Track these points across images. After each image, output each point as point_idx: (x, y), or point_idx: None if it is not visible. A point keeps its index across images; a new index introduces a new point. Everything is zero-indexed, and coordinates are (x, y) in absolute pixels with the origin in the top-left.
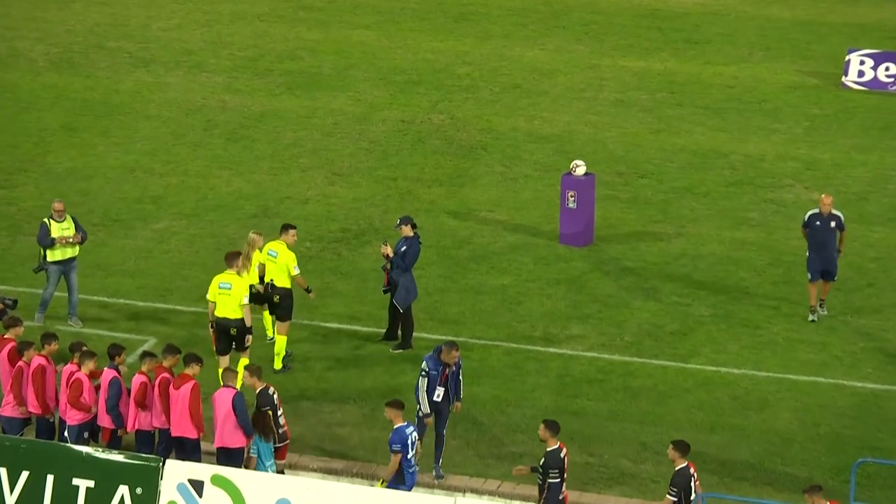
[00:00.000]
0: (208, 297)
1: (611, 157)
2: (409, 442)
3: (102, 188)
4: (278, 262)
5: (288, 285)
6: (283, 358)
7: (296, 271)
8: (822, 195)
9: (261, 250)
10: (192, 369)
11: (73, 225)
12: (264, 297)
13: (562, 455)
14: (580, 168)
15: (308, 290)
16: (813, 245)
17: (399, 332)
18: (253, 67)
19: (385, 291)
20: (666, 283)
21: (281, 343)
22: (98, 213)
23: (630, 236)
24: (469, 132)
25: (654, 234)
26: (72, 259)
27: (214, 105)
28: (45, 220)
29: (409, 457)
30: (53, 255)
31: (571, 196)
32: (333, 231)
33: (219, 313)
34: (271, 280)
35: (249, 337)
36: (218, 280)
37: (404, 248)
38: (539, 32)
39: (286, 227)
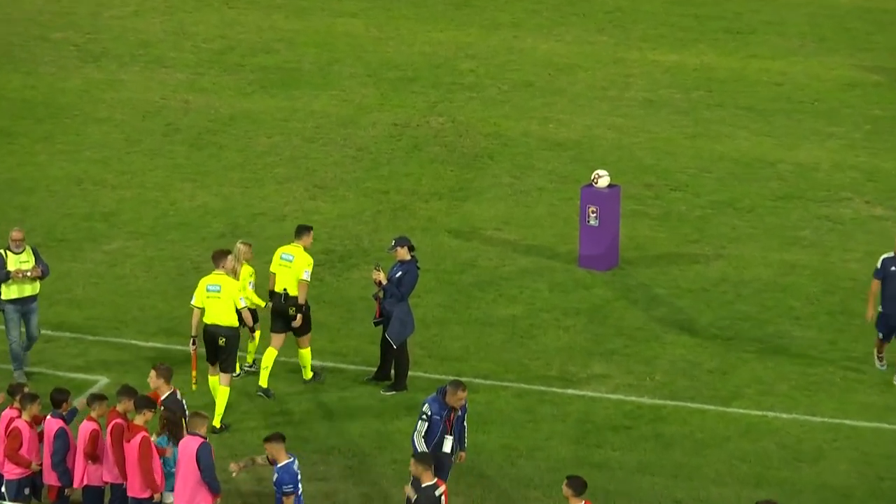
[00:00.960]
0: (194, 303)
1: (639, 167)
2: (298, 479)
3: (45, 203)
4: (294, 268)
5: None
6: (315, 373)
7: (305, 276)
8: None
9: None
10: (144, 416)
11: (33, 257)
12: (280, 311)
13: None
14: (603, 179)
15: (298, 310)
16: (888, 298)
17: (392, 371)
18: (221, 62)
19: (376, 324)
20: (703, 314)
21: (306, 356)
22: (40, 232)
23: (661, 259)
24: (473, 137)
25: (689, 256)
26: (31, 298)
27: (176, 106)
28: (1, 250)
29: (300, 494)
30: (9, 293)
31: (593, 212)
32: (315, 253)
33: (207, 320)
34: (285, 290)
35: (254, 336)
36: (205, 282)
37: (400, 273)
38: (555, 21)
39: (304, 229)
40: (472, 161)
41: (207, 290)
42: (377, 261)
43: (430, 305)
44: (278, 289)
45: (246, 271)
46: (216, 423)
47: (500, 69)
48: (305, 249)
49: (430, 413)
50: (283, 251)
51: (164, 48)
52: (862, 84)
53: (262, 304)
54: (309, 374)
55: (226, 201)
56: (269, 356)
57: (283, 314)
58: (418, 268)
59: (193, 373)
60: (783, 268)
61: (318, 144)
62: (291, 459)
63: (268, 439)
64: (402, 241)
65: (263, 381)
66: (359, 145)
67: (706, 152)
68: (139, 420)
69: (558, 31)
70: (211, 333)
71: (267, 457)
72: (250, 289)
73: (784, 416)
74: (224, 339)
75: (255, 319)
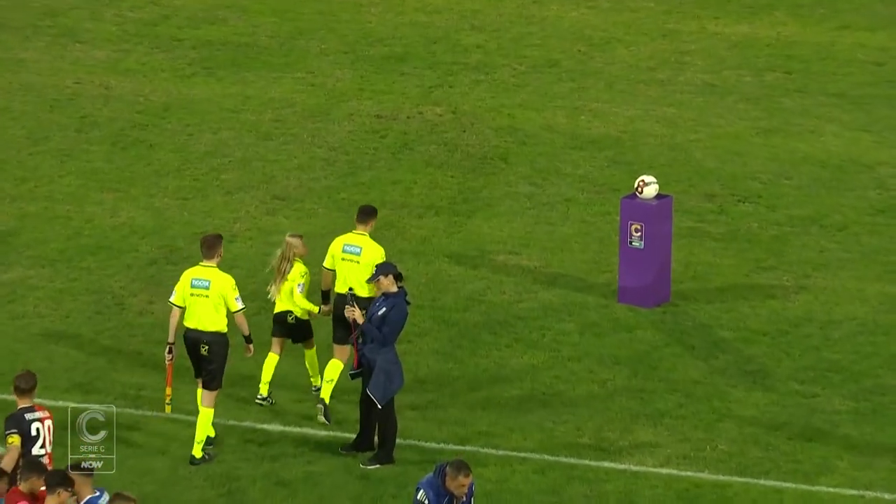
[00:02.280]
0: (173, 300)
1: (696, 171)
2: None
3: None
4: (363, 262)
5: (372, 294)
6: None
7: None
8: None
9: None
10: (58, 498)
11: None
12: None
13: None
14: (650, 188)
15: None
16: None
17: (376, 437)
18: (152, 35)
19: (353, 376)
20: (781, 363)
21: (335, 368)
22: None
23: (726, 291)
24: (481, 133)
25: (762, 289)
26: None
27: (93, 93)
28: None
29: None
30: None
31: (636, 230)
32: None
33: (189, 323)
34: (351, 290)
35: (250, 347)
36: (190, 275)
37: (383, 310)
38: None
39: (369, 212)
40: (480, 164)
41: (192, 286)
42: (351, 294)
43: (424, 352)
44: (341, 288)
45: (297, 271)
46: (195, 452)
47: (515, 44)
48: (372, 237)
49: (425, 502)
50: (344, 241)
51: (77, 18)
52: None
53: (316, 309)
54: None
55: (158, 217)
56: (334, 368)
57: (347, 321)
58: (408, 303)
59: (168, 390)
60: (885, 303)
61: (277, 142)
62: (97, 494)
63: (75, 467)
64: (385, 269)
65: (326, 395)
66: (331, 144)
67: (784, 153)
68: (52, 501)
69: None
70: (192, 340)
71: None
72: (299, 292)
73: (887, 496)
74: (207, 347)
75: (310, 333)
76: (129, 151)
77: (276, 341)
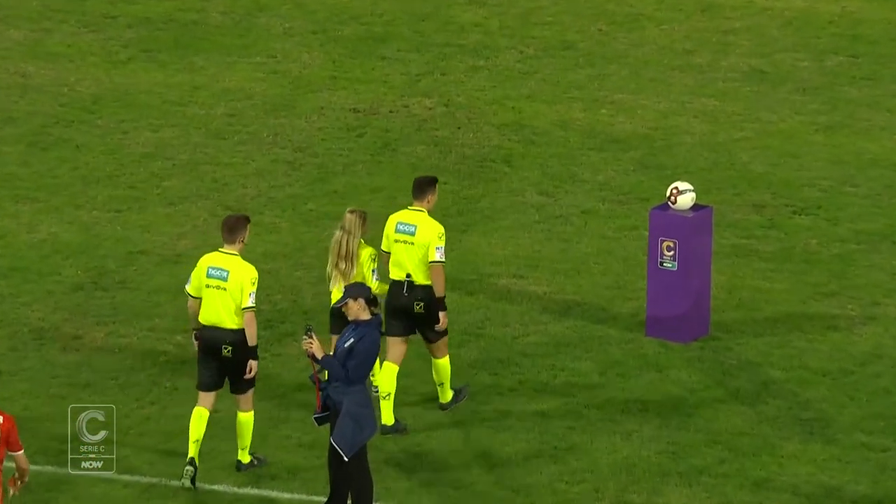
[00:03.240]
0: (188, 289)
1: (743, 177)
2: None
3: None
4: (418, 243)
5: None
6: (456, 392)
7: (439, 255)
8: None
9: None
10: None
11: None
12: (403, 307)
13: None
14: (685, 196)
15: (434, 306)
16: None
17: (350, 497)
18: (79, 12)
19: (319, 421)
20: (844, 409)
21: (444, 369)
22: None
23: (778, 322)
24: (480, 131)
25: (822, 319)
26: None
27: (7, 82)
28: None
29: None
30: None
31: (669, 248)
32: None
33: (204, 319)
34: (409, 276)
35: (254, 365)
36: (207, 263)
37: (351, 341)
38: None
39: (427, 184)
40: (479, 168)
41: (208, 276)
42: (309, 322)
43: (410, 395)
44: (396, 274)
45: (366, 254)
46: (243, 457)
47: (522, 22)
48: (430, 214)
49: None
50: (398, 219)
51: None
52: None
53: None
54: (448, 395)
55: (85, 233)
56: (388, 377)
57: (406, 311)
58: (382, 333)
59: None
60: None
61: (232, 142)
62: None
63: None
64: (356, 291)
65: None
66: (297, 143)
67: (849, 154)
68: None
69: None
70: (210, 340)
71: None
72: (375, 279)
73: None
74: (230, 349)
75: None
76: (50, 153)
77: (333, 339)
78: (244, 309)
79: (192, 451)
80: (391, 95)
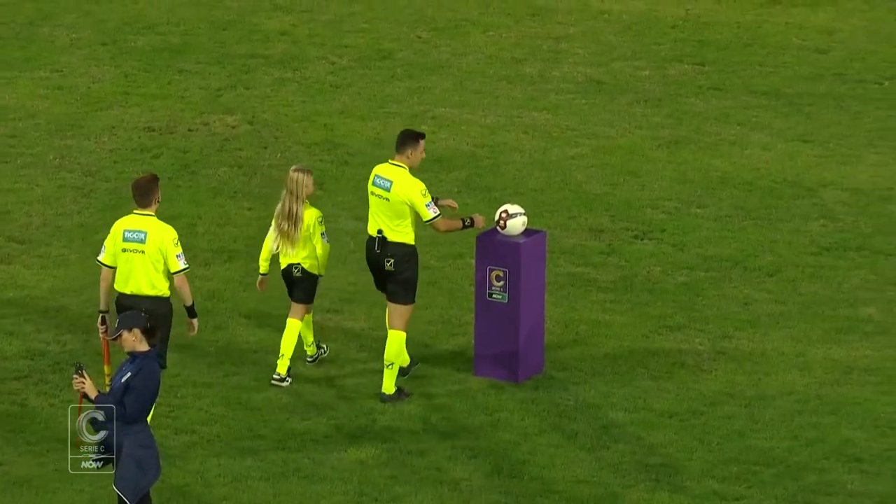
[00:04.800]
0: (101, 258)
1: (578, 198)
2: None
3: None
4: (394, 198)
5: (410, 240)
6: (398, 390)
7: (431, 212)
8: None
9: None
10: None
11: None
12: (375, 264)
13: None
14: (515, 221)
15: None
16: None
17: None
18: None
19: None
20: (694, 454)
21: (396, 344)
22: None
23: (619, 359)
24: (288, 150)
25: (667, 355)
26: None
27: None
28: None
29: None
30: None
31: (498, 279)
32: None
33: (121, 287)
34: (380, 232)
35: (195, 322)
36: (122, 227)
37: (128, 375)
38: None
39: (410, 138)
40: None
41: (124, 239)
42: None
43: (203, 444)
44: (371, 230)
45: (312, 216)
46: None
47: (333, 30)
48: (412, 171)
49: None
50: (377, 172)
51: None
52: None
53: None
54: (392, 384)
55: None
56: (395, 342)
57: (378, 268)
58: (163, 366)
59: (106, 368)
60: (831, 371)
61: (13, 166)
62: None
63: None
64: (130, 321)
65: (386, 386)
66: (87, 167)
67: (696, 172)
68: None
69: None
70: (125, 309)
71: None
72: (326, 242)
73: None
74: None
75: (313, 293)
76: None
77: (293, 305)
78: (175, 273)
79: None
80: (190, 112)
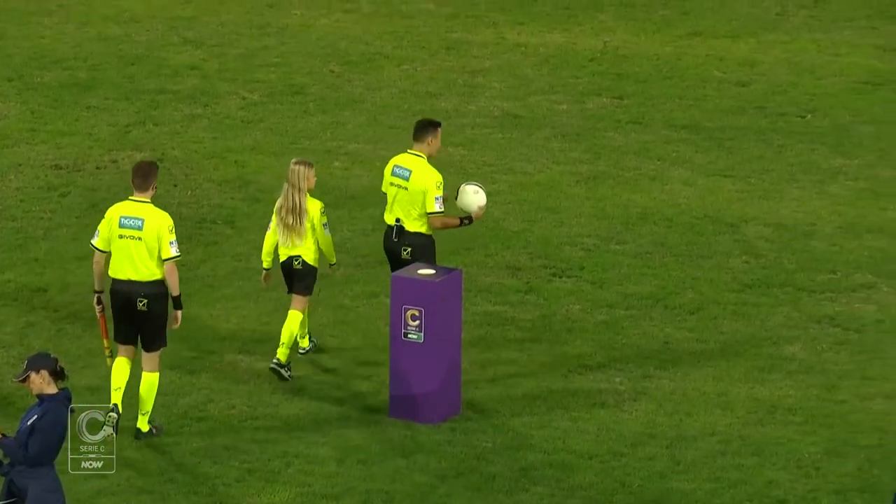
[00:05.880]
0: (95, 242)
1: (496, 235)
2: None
3: None
4: (413, 187)
5: (425, 230)
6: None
7: (437, 204)
8: None
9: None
10: None
11: None
12: (392, 252)
13: None
14: (470, 189)
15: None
16: None
17: None
18: None
19: None
20: (615, 496)
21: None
22: None
23: (537, 399)
24: (199, 188)
25: (587, 395)
26: None
27: None
28: None
29: None
30: None
31: (413, 318)
32: None
33: (116, 273)
34: (398, 221)
35: (178, 314)
36: (118, 213)
37: (34, 418)
38: None
39: (423, 127)
40: (197, 230)
41: (121, 225)
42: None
43: (121, 495)
44: (389, 219)
45: (315, 207)
46: (142, 425)
47: (244, 64)
48: (430, 161)
49: None
50: (396, 162)
51: None
52: None
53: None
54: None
55: None
56: None
57: (394, 256)
58: (71, 410)
59: (105, 342)
60: (755, 411)
61: None
62: None
63: None
64: (38, 363)
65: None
66: None
67: (615, 207)
68: None
69: None
70: (124, 294)
71: None
72: (328, 234)
73: None
74: (145, 302)
75: (312, 286)
76: None
77: (293, 297)
78: (166, 260)
79: (116, 398)
80: (98, 149)
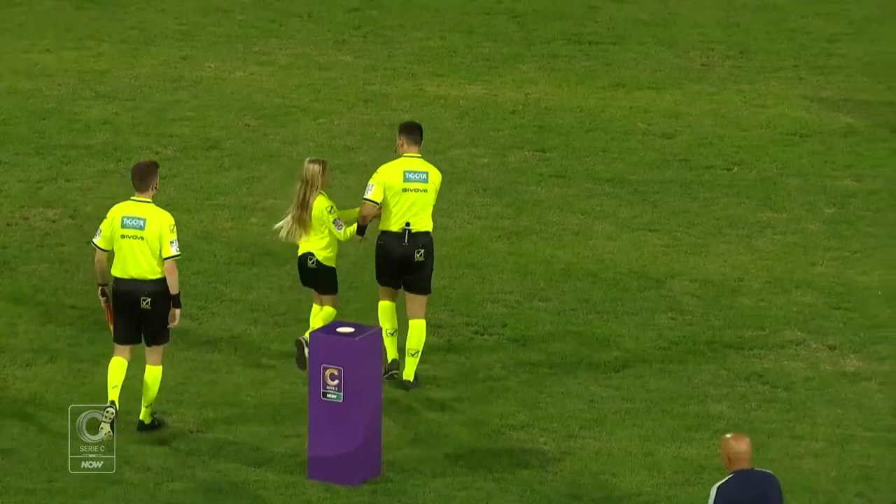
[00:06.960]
0: (97, 241)
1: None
2: None
3: None
4: (431, 188)
5: (430, 228)
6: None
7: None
8: None
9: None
10: None
11: None
12: (404, 257)
13: None
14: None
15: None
16: None
17: None
18: None
19: None
20: None
21: (423, 331)
22: None
23: (460, 459)
24: None
25: (511, 455)
26: None
27: None
28: None
29: None
30: None
31: (333, 377)
32: None
33: (119, 272)
34: (408, 224)
35: (177, 313)
36: (120, 212)
37: None
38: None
39: (415, 129)
40: None
41: (123, 226)
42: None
43: None
44: (396, 226)
45: (322, 206)
46: (144, 417)
47: (157, 118)
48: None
49: None
50: (406, 168)
51: None
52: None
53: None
54: (413, 371)
55: None
56: (387, 316)
57: (406, 261)
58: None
59: (111, 326)
60: (681, 471)
61: None
62: None
63: None
64: None
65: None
66: None
67: (538, 263)
68: None
69: (278, 45)
70: (128, 293)
71: None
72: (339, 230)
73: None
74: (149, 300)
75: (334, 285)
76: None
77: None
78: (166, 259)
79: (113, 395)
80: (8, 206)
